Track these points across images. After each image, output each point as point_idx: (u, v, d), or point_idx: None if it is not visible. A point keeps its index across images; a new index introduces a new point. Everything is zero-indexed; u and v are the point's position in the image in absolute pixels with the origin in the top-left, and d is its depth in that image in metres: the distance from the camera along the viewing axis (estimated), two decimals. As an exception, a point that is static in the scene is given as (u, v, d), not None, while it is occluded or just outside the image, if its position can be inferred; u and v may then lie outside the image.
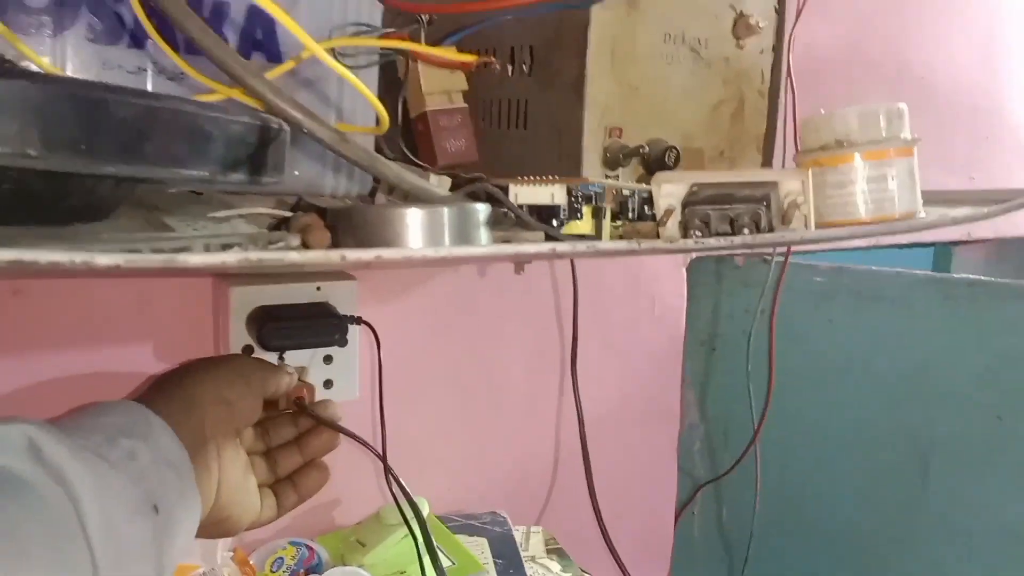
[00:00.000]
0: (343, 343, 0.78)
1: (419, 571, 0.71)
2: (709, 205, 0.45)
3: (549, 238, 0.44)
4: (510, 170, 0.63)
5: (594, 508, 1.03)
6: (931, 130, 1.38)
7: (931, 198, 0.62)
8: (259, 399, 0.58)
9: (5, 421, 0.40)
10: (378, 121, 0.44)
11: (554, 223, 0.45)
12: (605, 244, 0.39)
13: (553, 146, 0.60)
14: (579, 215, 0.45)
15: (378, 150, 0.60)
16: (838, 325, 1.19)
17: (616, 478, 1.11)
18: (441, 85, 0.54)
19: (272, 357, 0.76)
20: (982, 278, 1.17)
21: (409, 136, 0.57)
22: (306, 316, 0.75)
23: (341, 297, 0.79)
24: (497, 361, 0.99)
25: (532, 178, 0.44)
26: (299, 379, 0.65)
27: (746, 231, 0.42)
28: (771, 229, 0.43)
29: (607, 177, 0.60)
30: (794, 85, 1.12)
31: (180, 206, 0.44)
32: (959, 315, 1.16)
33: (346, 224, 0.37)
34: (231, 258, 0.28)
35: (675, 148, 0.61)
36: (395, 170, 0.41)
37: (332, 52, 0.53)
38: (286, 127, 0.40)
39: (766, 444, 1.20)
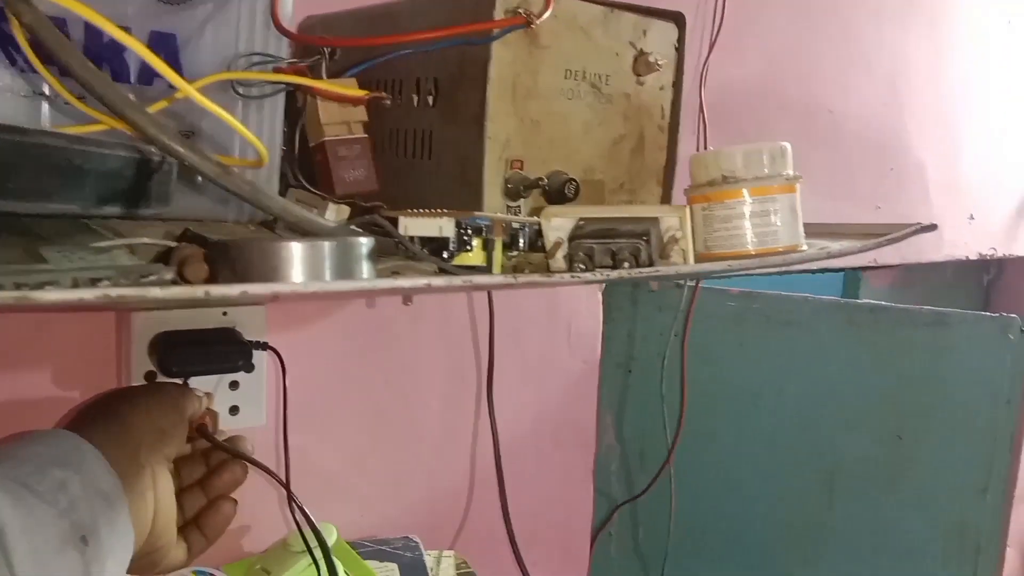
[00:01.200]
0: (249, 369, 0.77)
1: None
2: (594, 239, 0.47)
3: (440, 270, 0.45)
4: (415, 199, 0.63)
5: (508, 531, 1.03)
6: (839, 163, 1.45)
7: (816, 231, 0.66)
8: (186, 425, 0.58)
9: None
10: (260, 155, 0.44)
11: (444, 255, 0.46)
12: (480, 278, 0.40)
13: (456, 176, 0.61)
14: (469, 247, 0.46)
15: (283, 177, 0.61)
16: (748, 348, 1.23)
17: (532, 500, 1.12)
18: (340, 116, 0.55)
19: (176, 383, 0.75)
20: (883, 304, 1.22)
21: (309, 165, 0.57)
22: (210, 342, 0.74)
23: (248, 322, 0.78)
24: (411, 386, 1.00)
25: (421, 211, 0.45)
26: (208, 401, 0.64)
27: (626, 264, 0.44)
28: (651, 263, 0.45)
29: (508, 207, 0.61)
30: (706, 119, 1.16)
31: (65, 235, 0.44)
32: (862, 339, 1.22)
33: (224, 257, 0.37)
34: (89, 294, 0.28)
35: (574, 180, 0.62)
36: (279, 203, 0.41)
37: (231, 83, 0.53)
38: (170, 159, 0.40)
39: (680, 465, 1.23)
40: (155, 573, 0.56)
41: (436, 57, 0.63)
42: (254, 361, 0.79)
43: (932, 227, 0.56)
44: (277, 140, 0.60)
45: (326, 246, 0.38)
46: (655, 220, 0.47)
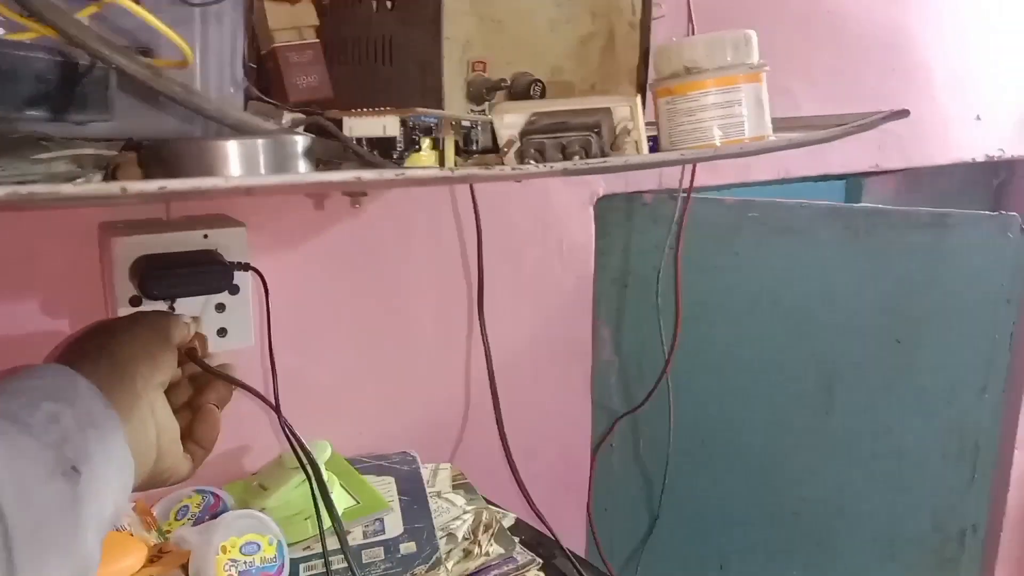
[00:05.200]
0: (233, 290, 0.78)
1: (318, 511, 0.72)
2: (545, 134, 0.46)
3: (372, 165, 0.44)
4: (377, 107, 0.63)
5: (503, 444, 1.05)
6: (840, 64, 1.40)
7: (789, 124, 0.64)
8: (175, 350, 0.58)
9: None
10: (184, 55, 0.43)
11: (393, 155, 0.45)
12: (414, 171, 0.39)
13: (417, 82, 0.60)
14: (417, 147, 0.45)
15: (248, 94, 0.60)
16: (744, 257, 1.22)
17: (531, 415, 1.13)
18: (289, 21, 0.54)
19: (162, 307, 0.75)
20: (881, 207, 1.21)
21: (265, 75, 0.56)
22: (191, 264, 0.74)
23: (229, 244, 0.78)
24: (403, 304, 1.00)
25: (365, 110, 0.44)
26: (196, 325, 0.64)
27: (576, 158, 0.43)
28: (603, 155, 0.44)
29: (472, 112, 0.60)
30: (694, 21, 1.12)
31: (13, 150, 0.44)
32: (860, 244, 1.20)
33: (156, 159, 0.37)
34: (-1, 191, 0.28)
35: (540, 81, 0.61)
36: (215, 104, 0.40)
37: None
38: (102, 65, 0.40)
39: (678, 376, 1.23)
40: (167, 486, 0.58)
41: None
42: (239, 283, 0.79)
43: (904, 113, 0.55)
44: (239, 53, 0.59)
45: (260, 143, 0.37)
46: (607, 111, 0.46)
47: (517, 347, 1.11)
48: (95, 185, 0.30)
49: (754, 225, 1.22)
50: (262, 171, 0.37)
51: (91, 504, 0.44)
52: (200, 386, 0.63)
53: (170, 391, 0.60)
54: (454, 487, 0.92)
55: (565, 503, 1.23)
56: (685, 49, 0.54)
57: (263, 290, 0.80)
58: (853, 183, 1.61)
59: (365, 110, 0.44)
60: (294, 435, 0.70)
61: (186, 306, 0.77)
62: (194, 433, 0.60)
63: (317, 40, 0.55)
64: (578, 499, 1.26)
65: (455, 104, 0.59)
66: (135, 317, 0.59)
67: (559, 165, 0.40)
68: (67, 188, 0.29)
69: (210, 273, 0.75)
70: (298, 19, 0.54)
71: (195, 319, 0.66)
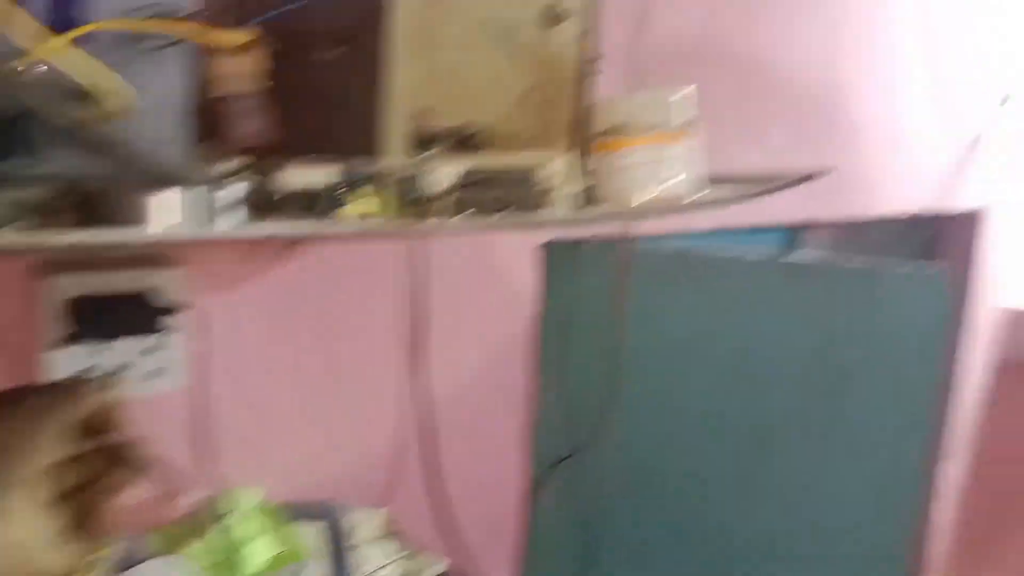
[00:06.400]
0: (166, 332, 0.77)
1: (242, 559, 0.71)
2: (479, 188, 0.47)
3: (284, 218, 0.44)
4: (321, 152, 0.63)
5: (438, 490, 1.04)
6: (780, 115, 1.45)
7: (720, 179, 0.66)
8: (66, 430, 0.53)
9: None
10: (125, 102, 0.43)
11: (330, 204, 0.45)
12: (332, 227, 0.40)
13: (363, 128, 0.61)
14: (351, 198, 0.46)
15: (190, 140, 0.60)
16: (683, 306, 1.25)
17: (468, 460, 1.12)
18: (236, 68, 0.54)
19: (88, 349, 0.73)
20: (813, 259, 1.24)
21: (212, 120, 0.56)
22: (124, 305, 0.73)
23: (165, 285, 0.77)
24: (340, 348, 0.99)
25: (304, 158, 0.45)
26: (105, 392, 0.59)
27: (502, 213, 0.44)
28: (530, 210, 0.45)
29: (412, 161, 0.60)
30: (635, 74, 1.15)
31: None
32: (794, 295, 1.23)
33: (88, 205, 0.37)
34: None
35: (481, 132, 0.62)
36: (150, 151, 0.40)
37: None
38: (29, 112, 0.39)
39: (618, 422, 1.24)
40: None
41: (342, 5, 0.62)
42: (172, 325, 0.78)
43: (826, 171, 0.57)
44: (182, 99, 0.58)
45: (194, 192, 0.37)
46: (538, 167, 0.47)
47: (457, 391, 1.11)
48: (10, 237, 0.29)
49: (693, 274, 1.24)
50: (193, 220, 0.37)
51: None
52: (108, 458, 0.57)
53: (67, 467, 0.54)
54: (385, 534, 0.91)
55: (499, 549, 1.22)
56: (619, 106, 0.56)
57: (197, 333, 0.79)
58: (792, 232, 1.66)
59: (304, 158, 0.44)
60: (203, 496, 0.68)
61: (118, 348, 0.76)
62: (84, 524, 0.54)
63: (263, 87, 0.55)
64: (512, 545, 1.25)
65: (397, 153, 0.60)
66: (21, 392, 0.53)
67: (482, 221, 0.41)
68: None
69: (142, 315, 0.74)
70: (245, 66, 0.54)
71: (113, 380, 0.61)
